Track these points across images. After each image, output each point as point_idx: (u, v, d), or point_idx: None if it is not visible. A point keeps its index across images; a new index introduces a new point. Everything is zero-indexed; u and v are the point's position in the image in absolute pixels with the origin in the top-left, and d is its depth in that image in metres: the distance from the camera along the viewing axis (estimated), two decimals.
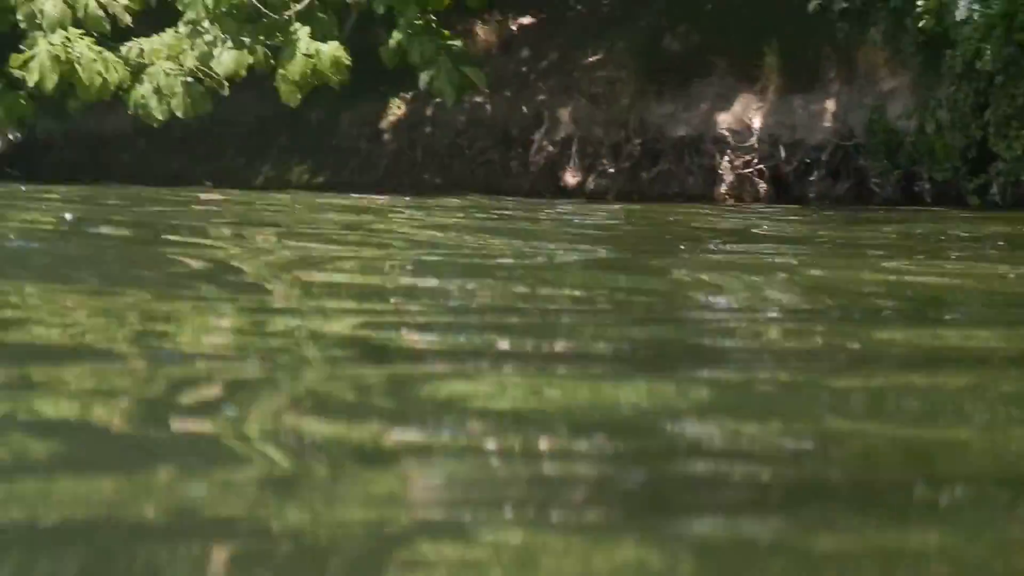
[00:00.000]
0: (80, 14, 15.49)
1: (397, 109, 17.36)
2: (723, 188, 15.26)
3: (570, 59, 16.95)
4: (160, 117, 15.43)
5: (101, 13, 15.50)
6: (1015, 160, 13.15)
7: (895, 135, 14.23)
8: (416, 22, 15.21)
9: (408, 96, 17.05)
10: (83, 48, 15.12)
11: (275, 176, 17.70)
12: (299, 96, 15.31)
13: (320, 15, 15.61)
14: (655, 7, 16.93)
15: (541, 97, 16.68)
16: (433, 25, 15.50)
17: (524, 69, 17.18)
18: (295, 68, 15.07)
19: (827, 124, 15.01)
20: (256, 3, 15.05)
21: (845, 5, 14.70)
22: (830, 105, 15.11)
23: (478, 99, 16.19)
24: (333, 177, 17.00)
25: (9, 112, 16.52)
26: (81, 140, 18.12)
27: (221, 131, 17.29)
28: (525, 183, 16.22)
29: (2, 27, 16.10)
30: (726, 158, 15.24)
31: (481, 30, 17.21)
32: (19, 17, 15.86)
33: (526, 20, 17.61)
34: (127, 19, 15.74)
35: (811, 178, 14.78)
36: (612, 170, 16.06)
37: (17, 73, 15.72)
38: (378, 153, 17.38)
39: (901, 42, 14.37)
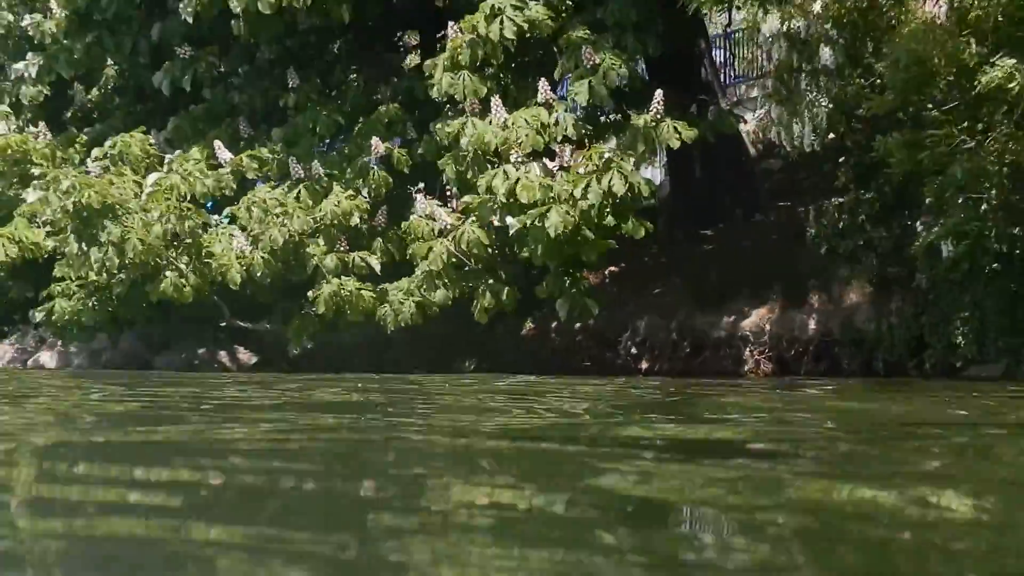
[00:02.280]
0: (350, 266, 18.33)
1: (531, 322, 20.00)
2: (745, 368, 17.49)
3: (643, 291, 19.67)
4: (390, 326, 18.00)
5: (363, 264, 18.44)
6: (943, 348, 14.50)
7: (860, 332, 16.16)
8: (567, 277, 17.01)
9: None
10: (351, 287, 18.05)
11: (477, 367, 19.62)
12: (487, 318, 17.71)
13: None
14: (700, 254, 19.81)
15: (626, 313, 19.19)
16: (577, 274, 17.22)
17: (616, 290, 19.71)
18: (487, 301, 17.27)
19: (814, 327, 16.93)
20: (462, 258, 17.29)
21: (826, 246, 16.36)
22: (816, 315, 17.03)
23: None
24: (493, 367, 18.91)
25: (303, 328, 19.11)
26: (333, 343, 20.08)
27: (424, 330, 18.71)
28: (617, 369, 18.44)
29: (301, 275, 18.65)
30: (747, 349, 17.64)
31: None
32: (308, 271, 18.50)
33: (614, 268, 20.16)
34: (377, 267, 18.48)
35: (803, 360, 16.98)
36: (670, 359, 18.51)
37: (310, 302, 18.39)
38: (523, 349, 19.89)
39: (865, 275, 16.14)
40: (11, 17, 23.96)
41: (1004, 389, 12.19)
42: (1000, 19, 10.73)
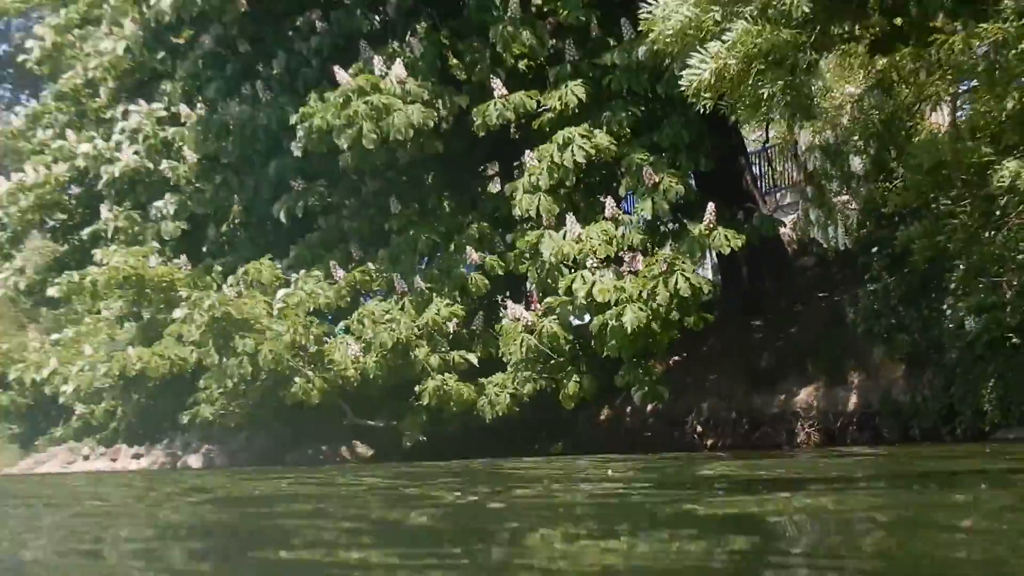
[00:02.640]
0: (451, 363, 18.50)
1: (608, 408, 20.12)
2: (797, 440, 17.26)
3: (704, 375, 19.69)
4: (489, 416, 18.03)
5: (463, 360, 18.62)
6: (971, 415, 14.25)
7: (897, 404, 16.00)
8: (639, 368, 16.93)
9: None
10: (452, 383, 18.13)
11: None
12: (572, 404, 17.66)
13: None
14: (752, 341, 19.67)
15: (690, 395, 19.20)
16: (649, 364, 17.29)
17: (680, 375, 19.60)
18: (571, 390, 17.38)
19: (855, 401, 16.84)
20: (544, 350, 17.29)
21: (862, 328, 16.14)
22: (857, 390, 16.94)
23: None
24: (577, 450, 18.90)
25: (414, 423, 19.03)
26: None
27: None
28: (684, 447, 18.31)
29: (409, 374, 18.62)
30: (798, 424, 17.47)
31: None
32: (416, 370, 18.52)
33: (677, 357, 20.12)
34: (476, 363, 18.66)
35: (847, 431, 16.80)
36: (732, 435, 18.53)
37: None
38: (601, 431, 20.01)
39: (899, 352, 15.84)
40: (150, 164, 24.55)
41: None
42: (1005, 124, 10.87)
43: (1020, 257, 12.20)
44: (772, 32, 10.36)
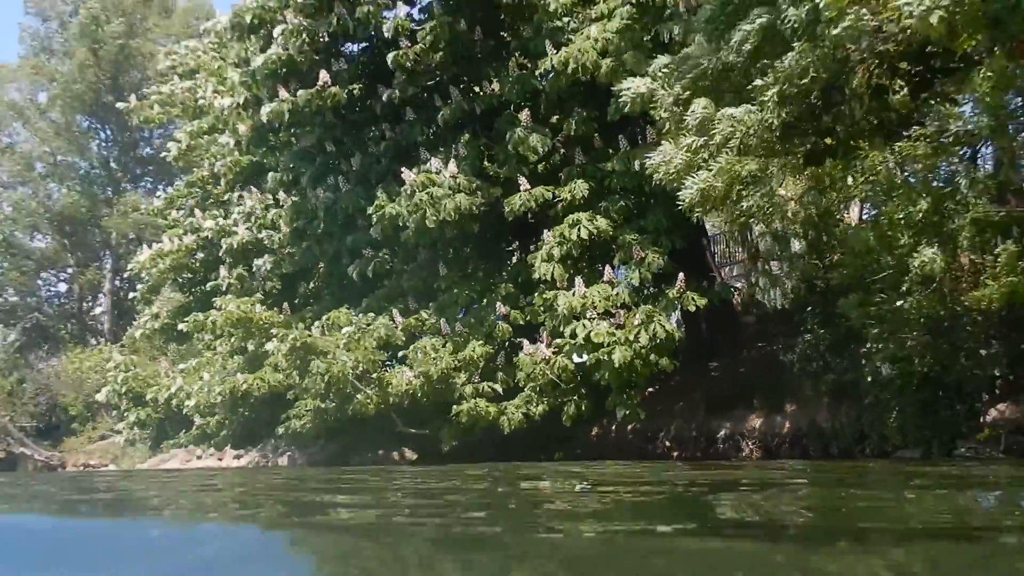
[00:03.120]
0: (481, 390, 18.31)
1: (598, 425, 19.36)
2: (742, 455, 16.96)
3: (672, 403, 18.94)
4: (507, 429, 17.78)
5: (490, 389, 18.38)
6: (877, 439, 14.13)
7: (820, 428, 15.73)
8: (624, 395, 16.70)
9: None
10: (482, 405, 17.78)
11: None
12: (572, 422, 17.58)
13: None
14: (709, 379, 19.07)
15: (661, 418, 18.59)
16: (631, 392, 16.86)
17: (654, 403, 18.48)
18: (571, 411, 17.42)
19: (789, 425, 16.55)
20: (556, 380, 17.31)
21: (797, 368, 15.91)
22: (790, 417, 16.66)
23: None
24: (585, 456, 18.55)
25: (451, 433, 18.64)
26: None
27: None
28: (656, 457, 17.94)
29: (449, 397, 18.27)
30: (744, 442, 17.20)
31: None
32: (454, 395, 18.27)
33: (652, 389, 19.32)
34: (500, 391, 18.42)
35: (781, 448, 16.46)
36: (692, 449, 18.11)
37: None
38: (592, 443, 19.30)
39: (823, 388, 15.64)
40: (248, 235, 24.72)
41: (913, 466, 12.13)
42: (920, 219, 10.83)
43: (922, 320, 11.98)
44: (748, 161, 10.45)
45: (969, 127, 11.05)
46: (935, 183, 11.27)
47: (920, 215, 10.84)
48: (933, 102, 11.77)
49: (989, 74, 9.57)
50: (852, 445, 14.99)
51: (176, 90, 28.33)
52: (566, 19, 19.10)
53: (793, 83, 10.80)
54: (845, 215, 14.20)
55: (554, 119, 19.55)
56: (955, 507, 6.46)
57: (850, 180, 12.58)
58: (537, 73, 19.19)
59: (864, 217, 14.23)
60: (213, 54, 28.25)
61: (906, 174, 11.07)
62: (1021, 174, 11.67)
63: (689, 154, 10.64)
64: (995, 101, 9.90)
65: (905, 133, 11.93)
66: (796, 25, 10.40)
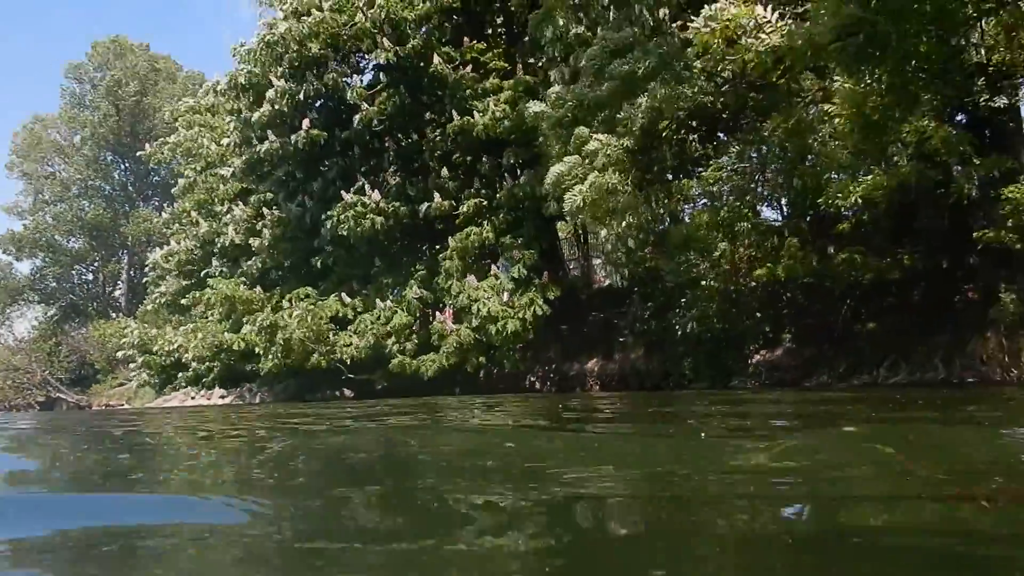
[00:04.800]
0: (405, 349, 17.46)
1: (489, 372, 19.70)
2: (585, 388, 16.46)
3: (536, 355, 18.11)
4: (427, 376, 16.55)
5: (412, 347, 17.69)
6: (679, 375, 13.81)
7: (639, 369, 15.27)
8: (508, 350, 16.17)
9: None
10: (407, 359, 16.99)
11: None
12: (473, 370, 16.96)
13: None
14: (563, 335, 17.75)
15: (531, 364, 18.06)
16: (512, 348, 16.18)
17: (527, 354, 17.82)
18: (473, 363, 16.66)
19: (618, 367, 15.95)
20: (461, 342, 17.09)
21: (628, 330, 15.83)
22: (619, 362, 16.07)
23: None
24: None
25: (383, 377, 17.52)
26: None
27: None
28: (527, 391, 17.49)
29: (383, 353, 17.85)
30: (588, 378, 16.56)
31: None
32: (386, 352, 17.77)
33: (522, 345, 21.98)
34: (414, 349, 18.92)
35: (612, 383, 15.99)
36: (551, 385, 18.05)
37: None
38: (484, 384, 19.60)
39: (642, 340, 15.26)
40: (238, 239, 22.41)
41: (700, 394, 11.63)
42: (718, 222, 10.41)
43: (716, 293, 11.72)
44: (611, 177, 9.78)
45: (743, 164, 10.81)
46: (729, 198, 10.92)
47: (718, 220, 10.46)
48: (714, 149, 11.51)
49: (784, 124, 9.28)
50: (660, 381, 14.61)
51: (180, 139, 25.94)
52: (467, 92, 17.97)
53: (638, 121, 10.28)
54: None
55: (456, 158, 18.45)
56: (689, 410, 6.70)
57: (667, 199, 12.18)
58: (450, 128, 17.90)
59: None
60: (208, 112, 25.96)
61: (711, 190, 10.62)
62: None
63: (577, 169, 9.85)
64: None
65: (700, 168, 11.55)
66: (645, 72, 9.82)
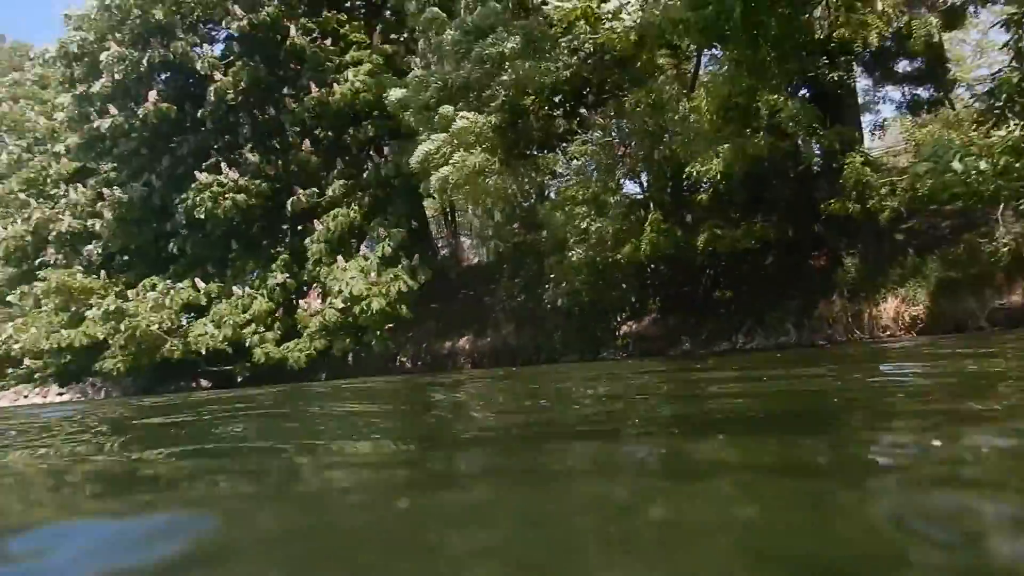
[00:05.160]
0: (268, 337, 15.73)
1: (357, 354, 17.45)
2: (459, 366, 14.90)
3: (410, 334, 16.31)
4: (297, 367, 14.92)
5: (275, 335, 15.39)
6: (548, 349, 13.24)
7: (510, 345, 14.11)
8: (378, 331, 14.76)
9: None
10: (270, 348, 15.38)
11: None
12: (343, 354, 15.27)
13: None
14: (435, 315, 16.38)
15: (401, 343, 16.39)
16: (382, 329, 14.87)
17: (398, 335, 16.51)
18: (341, 346, 14.91)
19: (490, 343, 14.74)
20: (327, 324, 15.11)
21: (500, 306, 15.02)
22: (491, 338, 14.79)
23: None
24: None
25: (244, 369, 15.54)
26: None
27: None
28: (396, 372, 15.49)
29: (243, 341, 15.63)
30: (461, 357, 15.11)
31: None
32: (246, 341, 16.22)
33: (391, 326, 17.54)
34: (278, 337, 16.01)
35: (485, 360, 14.63)
36: (423, 364, 16.10)
37: None
38: (355, 365, 17.45)
39: (514, 317, 16.19)
40: (76, 224, 18.78)
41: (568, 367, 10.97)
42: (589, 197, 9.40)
43: (585, 267, 10.71)
44: (478, 154, 8.39)
45: (607, 138, 9.88)
46: (594, 173, 9.91)
47: (588, 195, 9.42)
48: (579, 123, 10.55)
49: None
50: (531, 356, 13.67)
51: (3, 112, 21.65)
52: (327, 65, 15.80)
53: (502, 96, 8.98)
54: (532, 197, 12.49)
55: (318, 132, 16.20)
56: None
57: (534, 173, 11.00)
58: (307, 100, 15.71)
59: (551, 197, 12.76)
60: (33, 85, 21.82)
61: (578, 164, 9.55)
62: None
63: (444, 148, 8.38)
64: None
65: (567, 142, 10.48)
66: (511, 53, 8.57)
